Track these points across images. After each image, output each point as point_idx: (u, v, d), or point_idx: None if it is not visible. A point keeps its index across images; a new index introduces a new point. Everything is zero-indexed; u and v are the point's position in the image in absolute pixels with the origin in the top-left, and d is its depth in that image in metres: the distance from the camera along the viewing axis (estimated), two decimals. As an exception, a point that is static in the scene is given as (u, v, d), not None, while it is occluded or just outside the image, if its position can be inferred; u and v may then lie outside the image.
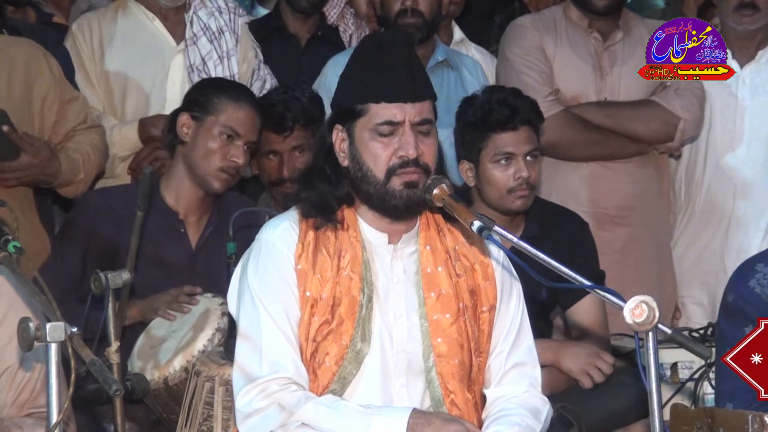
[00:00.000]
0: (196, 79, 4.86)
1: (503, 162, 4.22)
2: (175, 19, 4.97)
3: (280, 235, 3.15)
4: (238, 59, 5.02)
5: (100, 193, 4.54)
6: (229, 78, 4.90)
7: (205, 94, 4.34)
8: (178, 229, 4.34)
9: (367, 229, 3.18)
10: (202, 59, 4.93)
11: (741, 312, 3.64)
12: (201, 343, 3.87)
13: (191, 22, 4.96)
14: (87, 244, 4.24)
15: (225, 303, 3.94)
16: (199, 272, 4.30)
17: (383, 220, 3.17)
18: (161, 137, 4.69)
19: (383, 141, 3.11)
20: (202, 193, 4.34)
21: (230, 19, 5.04)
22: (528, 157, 4.24)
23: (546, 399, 3.28)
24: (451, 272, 3.19)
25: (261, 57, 5.15)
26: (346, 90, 3.21)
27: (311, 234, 3.15)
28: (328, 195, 3.15)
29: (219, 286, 4.04)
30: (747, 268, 3.71)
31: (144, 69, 4.92)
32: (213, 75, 4.92)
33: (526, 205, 4.27)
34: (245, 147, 4.30)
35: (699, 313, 5.24)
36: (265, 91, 5.02)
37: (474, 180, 4.27)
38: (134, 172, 4.81)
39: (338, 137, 3.17)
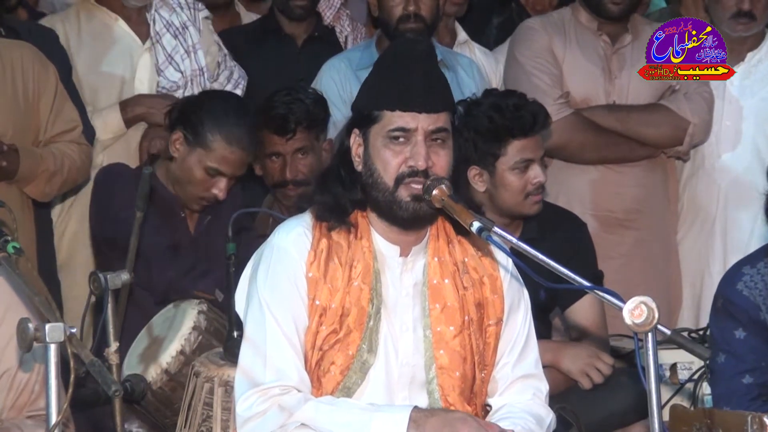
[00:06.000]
0: (164, 77, 4.88)
1: (522, 168, 4.21)
2: (138, 19, 5.01)
3: (293, 241, 3.13)
4: (203, 52, 5.04)
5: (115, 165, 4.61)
6: (218, 89, 4.94)
7: (202, 123, 4.33)
8: (178, 213, 4.42)
9: (380, 240, 3.17)
10: (169, 55, 4.96)
11: (731, 315, 3.68)
12: (179, 343, 3.88)
13: (154, 21, 4.99)
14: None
15: (202, 302, 3.97)
16: (201, 251, 4.38)
17: (393, 229, 3.15)
18: (149, 114, 4.79)
19: (395, 149, 3.09)
20: None
21: (191, 14, 5.08)
22: (540, 161, 4.25)
23: (550, 409, 3.28)
24: (458, 284, 3.18)
25: (226, 51, 5.17)
26: (365, 95, 3.20)
27: (324, 242, 3.13)
28: (342, 198, 3.14)
29: (220, 265, 4.05)
30: (734, 272, 3.75)
31: (112, 69, 4.96)
32: (181, 69, 4.96)
33: (540, 209, 4.27)
34: (229, 180, 4.35)
35: (685, 315, 5.25)
36: (233, 81, 5.08)
37: (486, 185, 4.24)
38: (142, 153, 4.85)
39: (355, 142, 3.16)
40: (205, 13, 5.16)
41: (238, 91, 5.07)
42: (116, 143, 4.93)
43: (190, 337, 3.89)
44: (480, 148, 4.21)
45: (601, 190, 5.13)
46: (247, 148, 4.37)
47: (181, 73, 4.96)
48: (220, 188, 4.33)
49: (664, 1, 6.59)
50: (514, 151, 4.20)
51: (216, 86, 5.01)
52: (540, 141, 4.27)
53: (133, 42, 4.99)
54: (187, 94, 4.88)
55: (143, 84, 4.97)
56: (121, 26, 4.99)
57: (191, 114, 4.37)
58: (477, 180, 4.23)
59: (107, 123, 4.86)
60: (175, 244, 4.37)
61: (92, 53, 4.95)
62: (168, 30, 4.98)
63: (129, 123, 4.88)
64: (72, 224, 4.89)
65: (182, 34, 5.00)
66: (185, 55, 4.99)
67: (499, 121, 4.19)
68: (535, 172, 4.21)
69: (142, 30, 5.00)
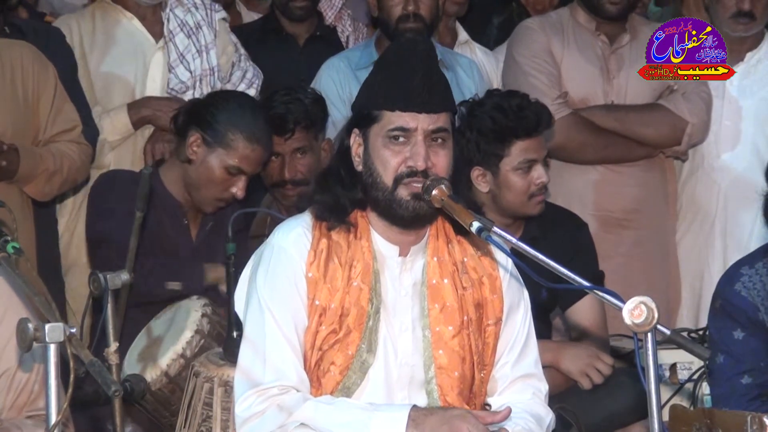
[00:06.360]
0: (174, 75, 4.88)
1: (525, 168, 4.21)
2: (152, 18, 5.02)
3: (293, 241, 3.14)
4: (217, 53, 5.05)
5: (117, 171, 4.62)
6: (230, 89, 4.93)
7: (219, 123, 4.31)
8: (181, 220, 4.40)
9: (379, 240, 3.17)
10: (181, 54, 4.96)
11: (729, 316, 3.69)
12: (180, 345, 3.88)
13: (168, 20, 5.00)
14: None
15: (207, 304, 3.96)
16: (202, 257, 4.35)
17: (393, 228, 3.15)
18: (155, 116, 4.79)
19: (394, 149, 3.09)
20: None
21: (206, 14, 5.09)
22: (543, 161, 4.25)
23: (550, 409, 3.28)
24: (457, 284, 3.18)
25: (243, 51, 5.17)
26: (365, 95, 3.20)
27: (324, 242, 3.13)
28: (341, 197, 3.14)
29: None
30: (732, 273, 3.76)
31: (125, 68, 4.97)
32: (192, 68, 4.96)
33: (542, 209, 4.27)
34: (247, 178, 4.34)
35: (684, 315, 5.26)
36: (247, 81, 5.08)
37: (489, 186, 4.23)
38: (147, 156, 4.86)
39: (355, 141, 3.17)
40: (222, 14, 5.17)
41: (252, 91, 5.07)
42: (124, 144, 4.93)
43: (192, 341, 3.89)
44: (483, 148, 4.20)
45: (600, 190, 5.13)
46: (266, 145, 4.38)
47: (191, 72, 4.97)
48: (239, 187, 4.31)
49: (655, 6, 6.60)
50: (518, 151, 4.20)
51: (228, 87, 5.01)
52: (543, 141, 4.27)
53: (146, 41, 5.00)
54: (196, 94, 4.89)
55: (156, 83, 4.98)
56: (135, 25, 5.00)
57: (206, 114, 4.34)
58: (480, 181, 4.23)
59: (115, 124, 4.87)
60: (175, 251, 4.35)
61: (106, 52, 4.96)
62: (182, 29, 4.99)
63: (136, 125, 4.89)
64: (81, 224, 4.88)
65: (195, 34, 5.01)
66: (196, 55, 5.00)
67: (502, 121, 4.18)
68: (539, 173, 4.21)
69: (156, 29, 5.02)
